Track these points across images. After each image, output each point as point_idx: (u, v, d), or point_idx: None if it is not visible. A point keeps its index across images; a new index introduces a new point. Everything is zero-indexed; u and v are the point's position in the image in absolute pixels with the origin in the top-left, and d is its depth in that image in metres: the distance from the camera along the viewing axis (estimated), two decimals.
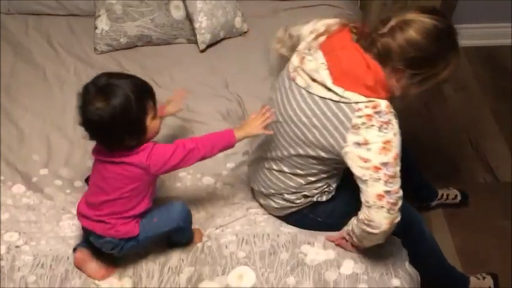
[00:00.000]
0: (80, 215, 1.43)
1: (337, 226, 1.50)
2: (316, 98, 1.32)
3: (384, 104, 1.27)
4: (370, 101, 1.26)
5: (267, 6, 2.34)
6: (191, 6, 2.10)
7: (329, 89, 1.29)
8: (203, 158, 1.39)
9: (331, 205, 1.53)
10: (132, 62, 2.12)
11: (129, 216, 1.39)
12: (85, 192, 1.46)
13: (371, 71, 1.26)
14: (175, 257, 1.50)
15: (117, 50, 2.15)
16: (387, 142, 1.26)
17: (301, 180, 1.46)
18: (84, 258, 1.45)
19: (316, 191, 1.49)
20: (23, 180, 1.70)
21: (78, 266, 1.46)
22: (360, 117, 1.26)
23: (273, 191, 1.53)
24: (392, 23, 1.24)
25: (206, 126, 1.83)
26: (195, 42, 2.16)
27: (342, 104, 1.28)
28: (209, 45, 2.16)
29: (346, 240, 1.48)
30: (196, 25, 2.10)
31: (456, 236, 2.10)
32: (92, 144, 1.78)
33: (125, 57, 2.14)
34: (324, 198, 1.51)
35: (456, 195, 2.14)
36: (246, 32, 2.24)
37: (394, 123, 1.28)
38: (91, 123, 1.27)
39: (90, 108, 1.25)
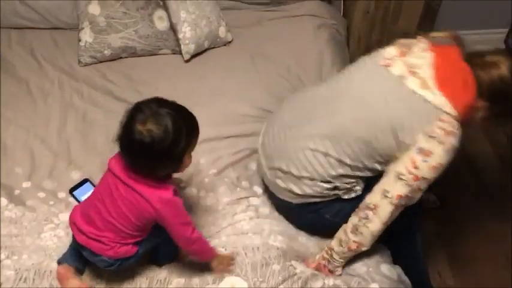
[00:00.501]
0: (74, 227, 1.38)
1: (337, 225, 1.50)
2: (406, 90, 1.34)
3: (460, 129, 1.33)
4: (455, 118, 1.32)
5: (251, 16, 2.35)
6: (175, 17, 2.10)
7: (427, 87, 1.32)
8: (185, 248, 1.40)
9: (340, 204, 1.52)
10: (116, 73, 2.11)
11: (129, 243, 1.36)
12: (84, 202, 1.42)
13: (469, 89, 1.32)
14: (164, 271, 1.48)
15: (101, 62, 2.15)
16: (441, 165, 1.33)
17: (341, 170, 1.45)
18: (66, 274, 1.42)
19: (347, 186, 1.49)
20: (5, 193, 1.66)
21: (59, 281, 1.43)
22: (440, 128, 1.31)
23: (306, 174, 1.48)
24: (487, 59, 1.36)
25: None
26: (180, 52, 2.16)
27: (430, 106, 1.32)
28: (194, 56, 2.16)
29: (324, 266, 1.51)
30: (180, 35, 2.11)
31: (444, 238, 2.10)
32: (76, 155, 1.79)
33: (109, 69, 2.13)
34: (346, 196, 1.51)
35: (435, 200, 2.20)
36: (230, 42, 2.25)
37: (455, 153, 1.34)
38: (136, 142, 1.22)
39: (140, 128, 1.21)
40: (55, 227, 1.57)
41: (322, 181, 1.48)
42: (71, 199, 1.66)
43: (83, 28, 2.12)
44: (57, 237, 1.54)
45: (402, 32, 2.52)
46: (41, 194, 1.67)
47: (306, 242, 1.61)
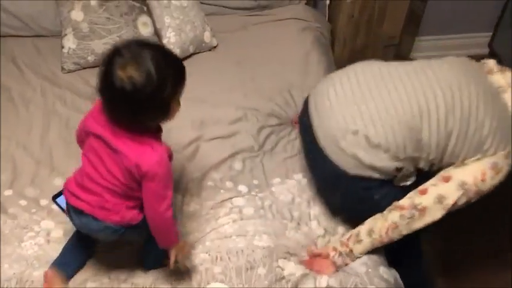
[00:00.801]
0: (69, 194, 1.30)
1: (380, 209, 1.46)
2: (503, 102, 1.41)
3: None
4: None
5: (236, 21, 2.35)
6: (159, 22, 2.09)
7: None
8: (152, 221, 1.28)
9: (389, 188, 1.47)
10: None
11: (134, 207, 1.29)
12: (76, 172, 1.33)
13: None
14: (150, 277, 1.46)
15: (84, 68, 2.12)
16: (497, 184, 1.39)
17: (413, 153, 1.40)
18: (53, 280, 1.38)
19: (407, 173, 1.46)
20: None
21: (45, 285, 1.39)
22: None
23: (383, 142, 1.38)
24: None
25: (182, 136, 1.81)
26: None
27: None
28: None
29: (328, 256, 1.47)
30: (165, 41, 2.09)
31: (439, 240, 2.09)
32: (59, 162, 1.76)
33: (93, 76, 2.04)
34: (398, 182, 1.48)
35: None
36: (215, 47, 2.24)
37: None
38: (116, 90, 1.10)
39: (120, 74, 1.09)
40: (35, 235, 1.54)
41: (394, 156, 1.39)
42: (54, 206, 1.62)
43: (66, 34, 2.10)
44: (37, 245, 1.51)
45: (387, 35, 2.54)
46: (23, 202, 1.63)
47: (293, 235, 1.56)
